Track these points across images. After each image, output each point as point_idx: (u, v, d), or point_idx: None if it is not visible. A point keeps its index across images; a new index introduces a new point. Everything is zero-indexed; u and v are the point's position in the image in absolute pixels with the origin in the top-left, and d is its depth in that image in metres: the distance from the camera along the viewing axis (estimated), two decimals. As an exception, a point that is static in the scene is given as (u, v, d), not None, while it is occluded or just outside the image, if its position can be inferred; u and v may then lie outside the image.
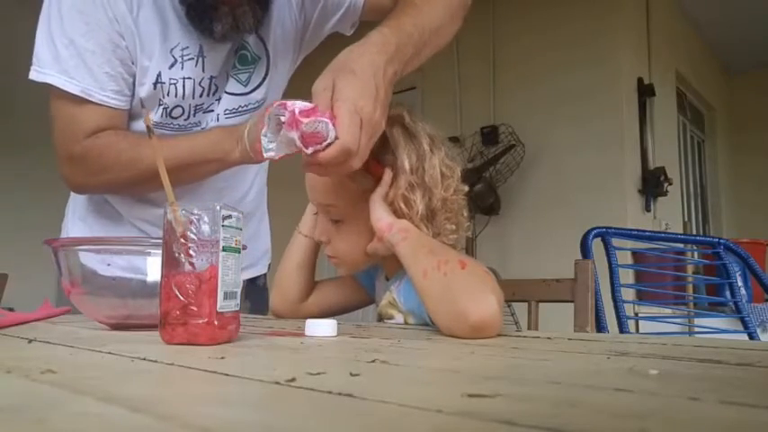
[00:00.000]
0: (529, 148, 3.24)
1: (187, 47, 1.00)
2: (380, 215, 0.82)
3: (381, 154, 0.85)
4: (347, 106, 0.72)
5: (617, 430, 0.25)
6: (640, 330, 2.46)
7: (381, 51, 0.78)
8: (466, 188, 0.91)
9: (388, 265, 0.93)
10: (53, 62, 0.96)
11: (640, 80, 3.32)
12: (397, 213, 0.83)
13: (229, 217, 0.60)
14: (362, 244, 0.87)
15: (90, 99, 0.97)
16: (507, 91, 3.47)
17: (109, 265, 0.75)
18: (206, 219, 0.58)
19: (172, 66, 1.00)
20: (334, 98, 0.73)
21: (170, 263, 0.58)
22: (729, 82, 5.17)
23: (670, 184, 3.34)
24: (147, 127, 0.73)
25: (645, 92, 3.32)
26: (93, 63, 0.96)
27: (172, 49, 0.99)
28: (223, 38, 0.97)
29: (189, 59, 1.00)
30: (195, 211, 0.58)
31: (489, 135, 3.34)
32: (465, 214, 0.91)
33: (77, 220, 1.17)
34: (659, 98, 3.44)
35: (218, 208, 0.59)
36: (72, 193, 1.17)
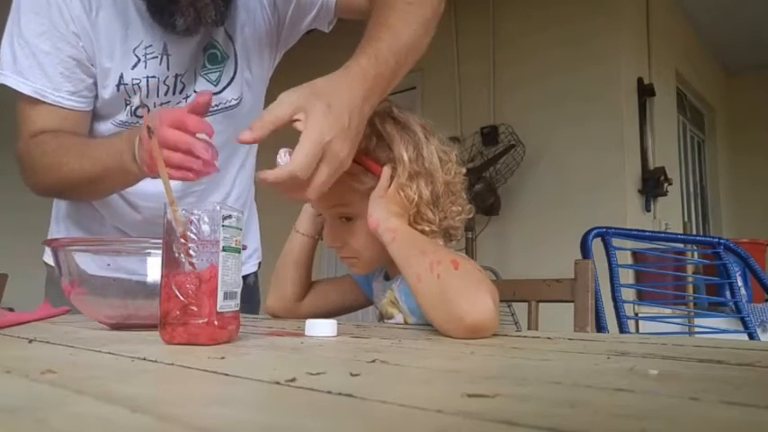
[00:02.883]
0: (529, 148, 3.24)
1: (150, 45, 0.99)
2: (371, 211, 0.82)
3: (379, 151, 0.86)
4: (312, 136, 0.71)
5: (617, 430, 0.25)
6: (640, 330, 2.46)
7: (360, 86, 0.76)
8: (463, 170, 0.92)
9: (393, 265, 0.92)
10: (11, 63, 0.97)
11: (640, 80, 3.32)
12: (405, 204, 0.84)
13: (229, 217, 0.59)
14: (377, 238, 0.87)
15: (43, 100, 0.97)
16: (507, 91, 3.47)
17: (109, 265, 0.75)
18: (206, 219, 0.58)
19: (135, 65, 0.99)
20: (304, 126, 0.72)
21: (170, 263, 0.58)
22: (729, 82, 5.17)
23: (670, 184, 3.34)
24: (147, 127, 0.73)
25: (645, 92, 3.32)
26: (48, 64, 0.96)
27: (135, 48, 0.99)
28: (187, 31, 0.96)
29: (152, 58, 1.00)
30: (195, 211, 0.58)
31: (489, 135, 3.34)
32: (464, 196, 0.92)
33: (60, 219, 1.17)
34: (659, 98, 3.44)
35: (218, 208, 0.59)
36: None
